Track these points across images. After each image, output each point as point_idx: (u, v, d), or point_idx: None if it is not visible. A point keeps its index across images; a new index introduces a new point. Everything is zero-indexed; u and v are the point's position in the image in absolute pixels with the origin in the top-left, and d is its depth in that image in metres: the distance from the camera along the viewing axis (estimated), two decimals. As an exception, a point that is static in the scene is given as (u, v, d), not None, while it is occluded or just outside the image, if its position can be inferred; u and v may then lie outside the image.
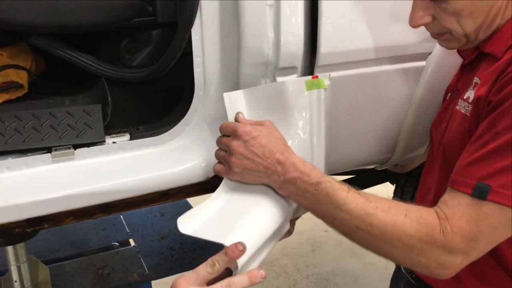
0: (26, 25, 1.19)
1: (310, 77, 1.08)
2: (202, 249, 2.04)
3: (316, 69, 1.18)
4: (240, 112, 1.06)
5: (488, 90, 0.93)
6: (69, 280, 1.78)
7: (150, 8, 1.27)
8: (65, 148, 1.14)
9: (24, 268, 1.54)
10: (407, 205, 0.90)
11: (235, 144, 0.97)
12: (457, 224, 0.85)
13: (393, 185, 1.90)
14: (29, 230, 1.09)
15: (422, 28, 1.04)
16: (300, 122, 1.07)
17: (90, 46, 1.38)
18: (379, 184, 1.91)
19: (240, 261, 0.82)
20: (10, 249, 1.50)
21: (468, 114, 0.99)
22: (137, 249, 2.01)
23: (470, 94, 1.01)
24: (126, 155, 1.19)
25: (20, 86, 1.28)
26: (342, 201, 0.89)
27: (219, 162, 1.04)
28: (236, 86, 1.18)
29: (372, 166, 1.56)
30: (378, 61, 1.25)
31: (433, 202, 0.95)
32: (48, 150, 1.13)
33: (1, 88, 1.24)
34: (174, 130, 1.22)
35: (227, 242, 0.82)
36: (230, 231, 0.87)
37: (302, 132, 1.08)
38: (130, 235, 2.15)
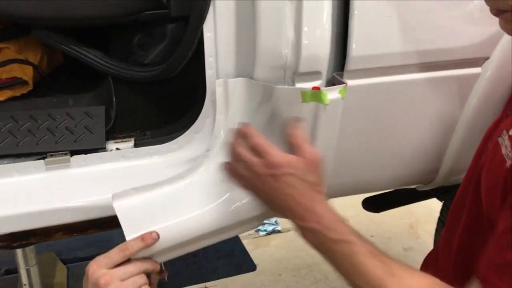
0: (30, 17, 1.10)
1: (310, 88, 0.93)
2: (227, 258, 1.92)
3: (345, 75, 1.01)
4: (251, 127, 0.86)
5: None
6: (85, 283, 1.70)
7: (164, 0, 1.14)
8: (61, 154, 1.04)
9: (34, 271, 1.48)
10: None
11: (264, 172, 0.82)
12: None
13: (441, 202, 1.68)
14: (15, 245, 1.00)
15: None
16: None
17: (102, 41, 1.26)
18: (425, 200, 1.70)
19: (153, 249, 0.83)
20: (19, 252, 1.44)
21: (508, 165, 0.74)
22: (160, 253, 1.91)
23: None
24: (127, 164, 1.08)
25: (25, 82, 1.20)
26: (361, 267, 0.74)
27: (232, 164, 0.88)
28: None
29: (414, 186, 1.37)
30: (421, 66, 1.05)
31: (458, 247, 0.84)
32: (43, 155, 1.03)
33: (2, 85, 1.15)
34: (182, 138, 1.09)
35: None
36: (148, 227, 0.84)
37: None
38: (156, 236, 2.06)
